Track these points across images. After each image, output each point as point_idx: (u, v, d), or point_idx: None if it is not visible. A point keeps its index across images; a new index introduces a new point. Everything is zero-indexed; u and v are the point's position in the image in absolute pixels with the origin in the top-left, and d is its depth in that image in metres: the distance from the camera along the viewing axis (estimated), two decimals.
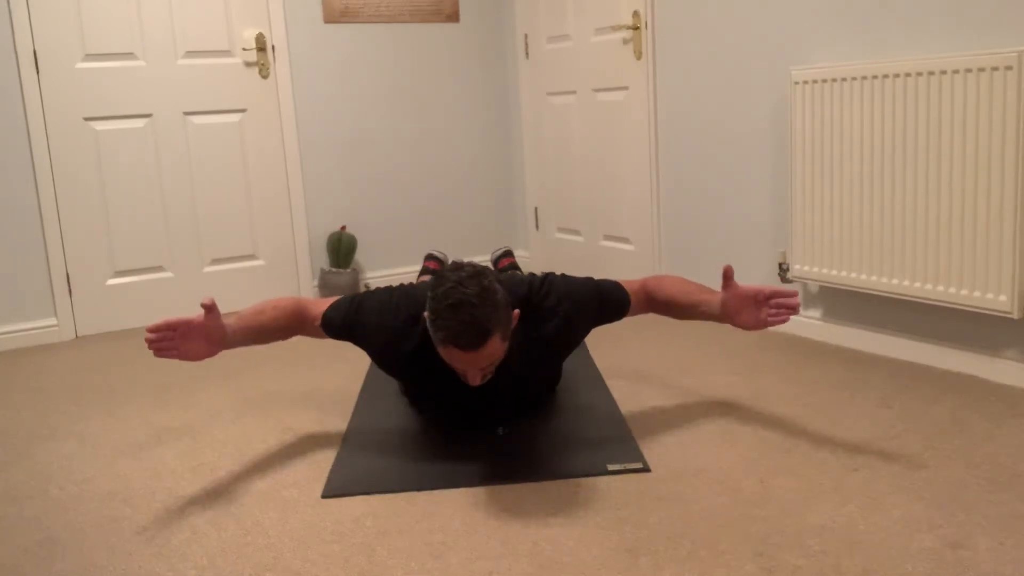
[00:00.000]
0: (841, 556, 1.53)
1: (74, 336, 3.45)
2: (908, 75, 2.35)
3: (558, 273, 2.14)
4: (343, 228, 3.93)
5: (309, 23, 3.80)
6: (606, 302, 2.11)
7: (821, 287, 2.84)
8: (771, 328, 2.97)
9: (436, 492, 1.87)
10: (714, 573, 1.50)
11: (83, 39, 3.36)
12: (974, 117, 2.21)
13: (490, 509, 1.77)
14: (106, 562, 1.65)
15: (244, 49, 3.65)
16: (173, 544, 1.71)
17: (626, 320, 2.18)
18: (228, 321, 1.98)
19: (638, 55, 3.41)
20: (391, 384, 2.57)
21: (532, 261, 4.28)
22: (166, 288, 3.61)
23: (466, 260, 1.89)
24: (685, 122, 3.27)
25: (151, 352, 2.99)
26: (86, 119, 3.40)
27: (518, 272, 3.04)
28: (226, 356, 2.96)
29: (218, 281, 3.71)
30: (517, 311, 1.89)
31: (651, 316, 2.18)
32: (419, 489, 1.88)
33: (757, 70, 2.94)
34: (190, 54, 3.56)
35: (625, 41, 3.48)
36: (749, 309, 1.98)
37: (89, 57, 3.38)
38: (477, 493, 1.85)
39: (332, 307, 2.08)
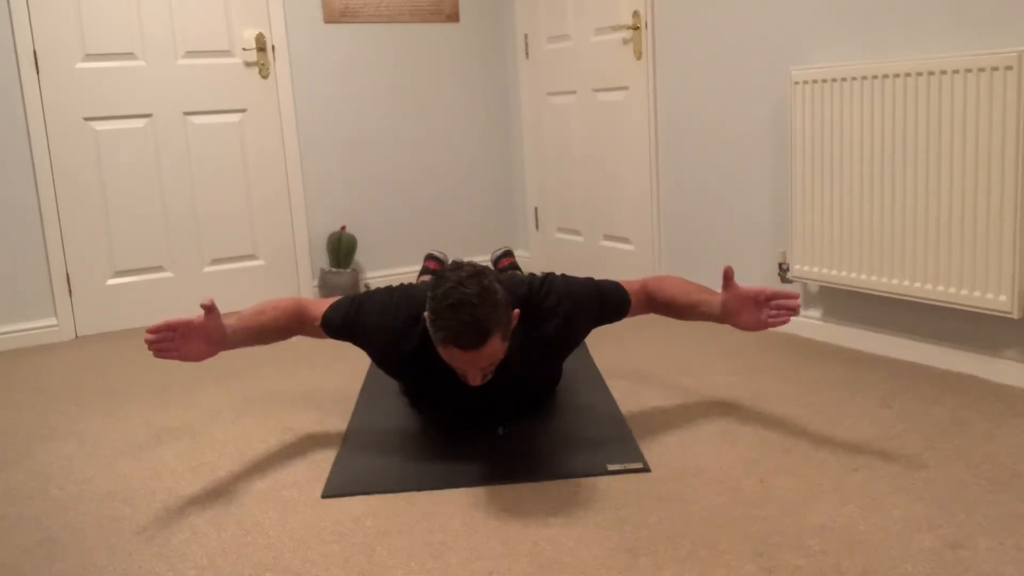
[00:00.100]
0: (841, 556, 1.53)
1: (74, 336, 3.45)
2: (908, 75, 2.35)
3: (558, 273, 2.14)
4: (343, 228, 3.93)
5: (309, 23, 3.80)
6: (606, 302, 2.11)
7: (821, 287, 2.84)
8: (771, 328, 2.97)
9: (436, 492, 1.87)
10: (714, 573, 1.50)
11: (83, 39, 3.36)
12: (974, 117, 2.21)
13: (490, 509, 1.77)
14: (106, 562, 1.65)
15: (244, 49, 3.65)
16: (173, 544, 1.71)
17: (626, 320, 2.18)
18: (228, 322, 1.98)
19: (638, 55, 3.41)
20: (391, 384, 2.57)
21: (532, 261, 4.28)
22: (166, 288, 3.61)
23: (466, 260, 1.89)
24: (685, 122, 3.27)
25: (151, 352, 3.00)
26: (86, 119, 3.40)
27: (518, 272, 3.04)
28: (226, 356, 2.96)
29: (218, 281, 3.71)
30: (517, 311, 1.89)
31: (651, 316, 2.18)
32: (419, 489, 1.88)
33: (757, 70, 2.94)
34: (190, 54, 3.56)
35: (625, 41, 3.48)
36: (749, 310, 1.98)
37: (89, 57, 3.38)
38: (477, 493, 1.85)
39: (332, 307, 2.08)
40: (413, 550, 1.63)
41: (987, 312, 2.26)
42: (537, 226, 4.24)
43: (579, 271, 3.75)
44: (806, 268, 2.74)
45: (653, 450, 2.02)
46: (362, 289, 3.94)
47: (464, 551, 1.62)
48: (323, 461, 2.06)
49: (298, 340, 3.07)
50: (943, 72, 2.27)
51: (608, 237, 3.76)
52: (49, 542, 1.75)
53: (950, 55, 2.26)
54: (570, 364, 2.67)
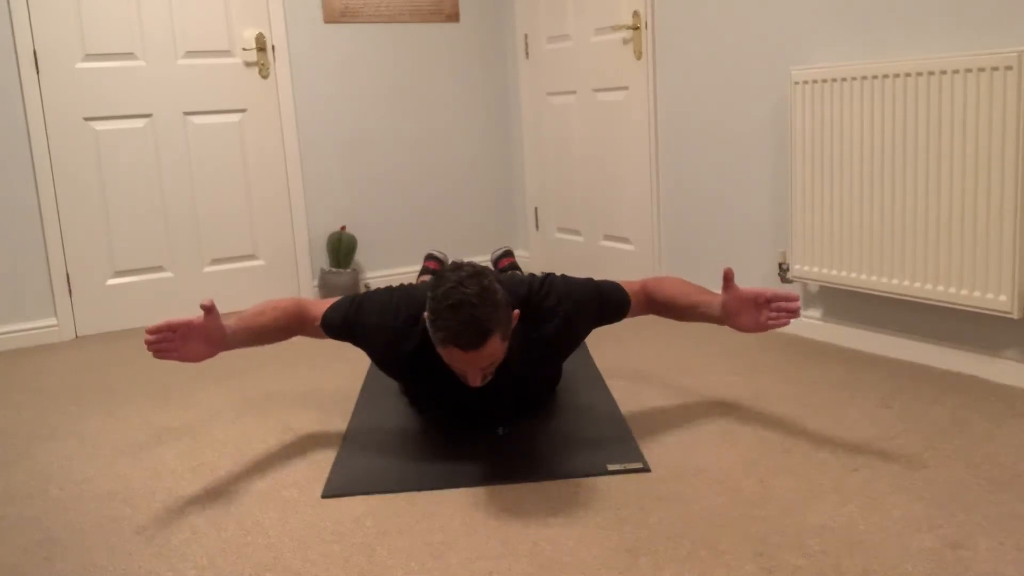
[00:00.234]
0: (841, 556, 1.53)
1: (74, 336, 3.45)
2: (908, 75, 2.35)
3: (558, 274, 2.14)
4: (343, 228, 3.93)
5: (309, 23, 3.80)
6: (606, 303, 2.11)
7: (821, 287, 2.84)
8: (771, 330, 2.97)
9: (436, 492, 1.87)
10: (714, 573, 1.50)
11: (83, 39, 3.36)
12: (974, 117, 2.21)
13: (490, 509, 1.77)
14: (106, 562, 1.65)
15: (244, 49, 3.65)
16: (173, 544, 1.71)
17: (626, 320, 2.18)
18: (228, 322, 1.98)
19: (638, 55, 3.41)
20: (391, 384, 2.57)
21: (532, 261, 4.28)
22: (166, 288, 3.61)
23: (466, 260, 1.89)
24: (685, 122, 3.27)
25: (151, 353, 3.00)
26: (86, 119, 3.40)
27: (518, 272, 3.04)
28: (226, 356, 2.96)
29: (218, 281, 3.71)
30: (517, 311, 1.89)
31: (651, 316, 2.18)
32: (419, 489, 1.88)
33: (757, 70, 2.94)
34: (190, 54, 3.56)
35: (625, 41, 3.48)
36: (749, 311, 1.98)
37: (89, 57, 3.38)
38: (477, 493, 1.85)
39: (332, 308, 2.08)
40: (413, 550, 1.63)
41: (987, 312, 2.26)
42: (537, 226, 4.24)
43: (579, 271, 3.75)
44: (806, 268, 2.74)
45: (653, 450, 2.02)
46: (362, 289, 3.94)
47: (464, 551, 1.62)
48: (323, 461, 2.06)
49: (298, 340, 3.07)
50: (943, 72, 2.27)
51: (608, 237, 3.76)
52: (49, 542, 1.75)
53: (950, 55, 2.26)
54: (570, 364, 2.67)
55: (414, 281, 3.58)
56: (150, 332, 1.82)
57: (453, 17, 4.12)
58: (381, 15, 3.95)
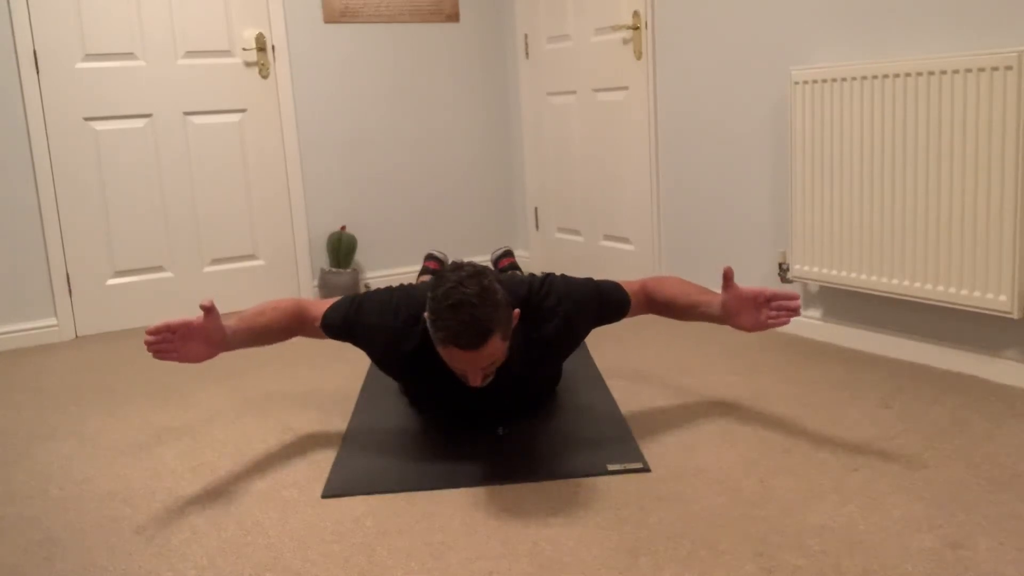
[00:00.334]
0: (841, 556, 1.53)
1: (74, 336, 3.45)
2: (908, 75, 2.35)
3: (558, 274, 2.14)
4: (343, 228, 3.93)
5: (309, 23, 3.80)
6: (606, 303, 2.11)
7: (821, 287, 2.84)
8: (771, 329, 2.98)
9: (436, 492, 1.87)
10: (714, 573, 1.50)
11: (83, 39, 3.36)
12: (974, 117, 2.21)
13: (490, 509, 1.77)
14: (106, 562, 1.65)
15: (244, 49, 3.65)
16: (173, 544, 1.71)
17: (626, 320, 2.18)
18: (228, 322, 1.98)
19: (638, 55, 3.41)
20: (391, 384, 2.57)
21: (532, 261, 4.28)
22: (166, 288, 3.61)
23: (466, 260, 1.89)
24: (685, 122, 3.27)
25: (151, 354, 3.00)
26: (86, 119, 3.40)
27: (518, 272, 3.04)
28: (226, 356, 2.96)
29: (218, 281, 3.71)
30: (517, 311, 1.89)
31: (651, 316, 2.18)
32: (419, 489, 1.88)
33: (757, 70, 2.94)
34: (190, 54, 3.56)
35: (625, 41, 3.48)
36: (749, 311, 1.98)
37: (89, 57, 3.38)
38: (477, 493, 1.85)
39: (332, 308, 2.08)
40: (413, 550, 1.63)
41: (987, 312, 2.26)
42: (537, 226, 4.24)
43: (579, 271, 3.75)
44: (806, 268, 2.74)
45: (653, 450, 2.02)
46: (362, 289, 3.94)
47: (464, 551, 1.62)
48: (323, 461, 2.06)
49: (298, 340, 3.07)
50: (943, 72, 2.27)
51: (608, 237, 3.76)
52: (49, 542, 1.75)
53: (950, 55, 2.26)
54: (570, 364, 2.67)
55: (414, 281, 3.59)
56: (150, 333, 1.82)
57: (453, 17, 4.12)
58: (381, 15, 3.95)
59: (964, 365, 2.44)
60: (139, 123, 3.50)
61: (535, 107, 4.11)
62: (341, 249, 3.82)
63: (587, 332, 2.12)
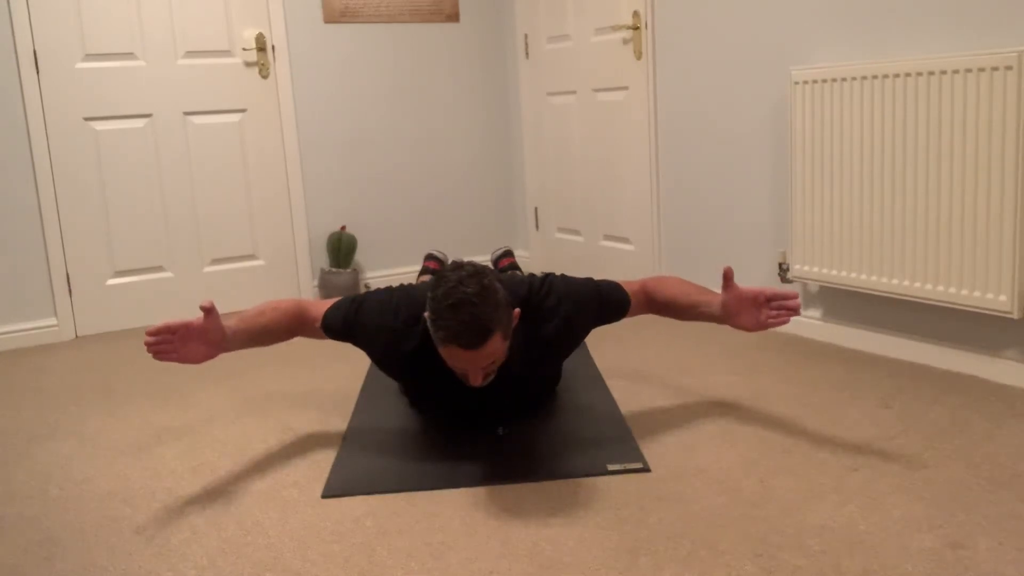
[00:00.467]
0: (841, 556, 1.53)
1: (74, 336, 3.45)
2: (908, 75, 2.35)
3: (558, 274, 2.14)
4: (343, 228, 3.93)
5: (309, 23, 3.80)
6: (606, 303, 2.11)
7: (821, 287, 2.84)
8: (771, 328, 2.98)
9: (436, 492, 1.87)
10: (714, 573, 1.50)
11: (83, 39, 3.36)
12: (974, 117, 2.21)
13: (490, 509, 1.77)
14: (106, 562, 1.65)
15: (244, 49, 3.65)
16: (173, 544, 1.71)
17: (626, 320, 2.18)
18: (228, 323, 1.98)
19: (638, 55, 3.41)
20: (391, 384, 2.57)
21: (532, 261, 4.28)
22: (166, 288, 3.61)
23: (466, 260, 1.89)
24: (685, 122, 3.27)
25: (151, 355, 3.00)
26: (86, 119, 3.40)
27: (518, 272, 3.04)
28: (226, 356, 2.96)
29: (218, 281, 3.71)
30: (517, 311, 1.89)
31: (651, 316, 2.18)
32: (419, 489, 1.88)
33: (757, 70, 2.94)
34: (190, 54, 3.56)
35: (625, 41, 3.48)
36: (749, 310, 1.98)
37: (89, 57, 3.38)
38: (477, 493, 1.85)
39: (332, 308, 2.08)
40: (413, 550, 1.63)
41: (987, 312, 2.26)
42: (537, 226, 4.24)
43: (579, 271, 3.76)
44: (806, 268, 2.74)
45: (653, 450, 2.02)
46: (362, 289, 3.94)
47: (464, 551, 1.62)
48: (323, 461, 2.06)
49: (298, 341, 3.06)
50: (943, 72, 2.27)
51: (608, 237, 3.76)
52: (49, 542, 1.75)
53: (950, 55, 2.26)
54: (570, 364, 2.67)
55: (414, 281, 3.58)
56: (149, 334, 1.82)
57: (453, 17, 4.12)
58: (381, 15, 3.95)
59: (964, 365, 2.44)
60: (139, 123, 3.50)
61: (535, 107, 4.11)
62: (341, 249, 3.82)
63: (587, 332, 2.12)
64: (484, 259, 4.19)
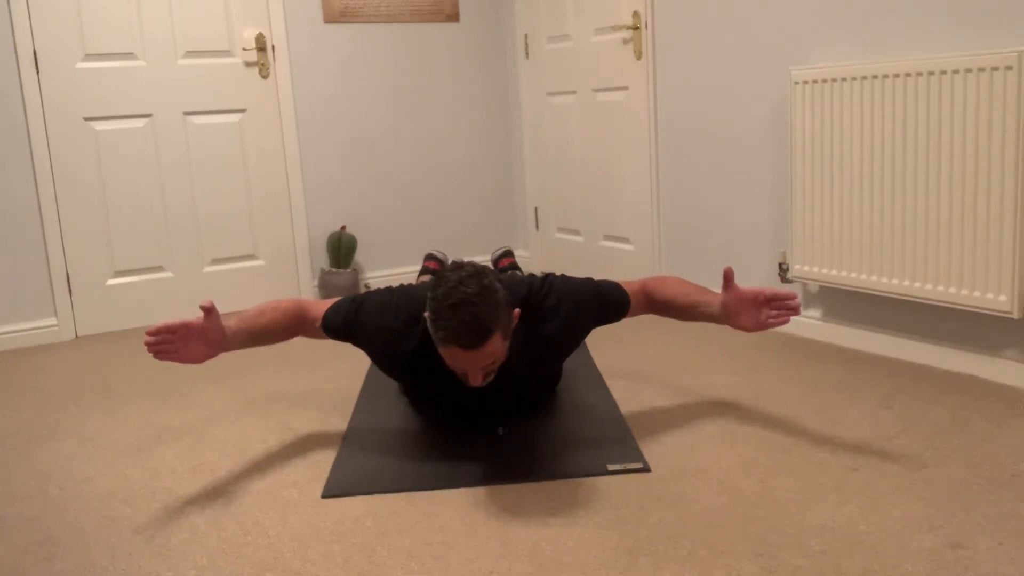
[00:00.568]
0: (841, 556, 1.53)
1: (74, 336, 3.45)
2: (908, 75, 2.35)
3: (558, 274, 2.14)
4: (343, 228, 3.93)
5: (309, 23, 3.80)
6: (606, 303, 2.11)
7: (821, 287, 2.84)
8: (771, 328, 2.98)
9: (436, 492, 1.87)
10: (714, 573, 1.50)
11: (83, 39, 3.36)
12: (974, 117, 2.21)
13: (490, 509, 1.77)
14: (106, 562, 1.65)
15: (244, 49, 3.65)
16: (173, 544, 1.71)
17: (626, 320, 2.18)
18: (228, 323, 1.98)
19: (638, 55, 3.41)
20: (391, 384, 2.57)
21: (532, 261, 4.28)
22: (166, 288, 3.61)
23: (466, 260, 1.89)
24: (685, 122, 3.27)
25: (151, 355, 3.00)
26: (86, 119, 3.40)
27: (518, 272, 3.04)
28: (226, 356, 2.96)
29: (218, 281, 3.71)
30: (517, 311, 1.89)
31: (651, 316, 2.18)
32: (419, 489, 1.88)
33: (757, 70, 2.94)
34: (190, 54, 3.56)
35: (625, 41, 3.48)
36: (749, 311, 1.98)
37: (89, 57, 3.38)
38: (477, 493, 1.85)
39: (332, 308, 2.08)
40: (413, 550, 1.63)
41: (987, 312, 2.26)
42: (537, 226, 4.24)
43: (579, 271, 3.76)
44: (806, 268, 2.74)
45: (653, 450, 2.02)
46: (362, 289, 3.94)
47: (464, 551, 1.62)
48: (323, 461, 2.06)
49: (298, 340, 3.06)
50: (943, 72, 2.27)
51: (608, 237, 3.76)
52: (49, 542, 1.75)
53: (950, 55, 2.26)
54: (570, 364, 2.67)
55: (414, 281, 3.58)
56: (149, 334, 1.82)
57: (453, 17, 4.12)
58: (381, 15, 3.95)
59: (964, 365, 2.44)
60: (139, 123, 3.50)
61: (535, 107, 4.11)
62: (341, 249, 3.82)
63: (587, 332, 2.12)
64: (484, 259, 4.19)
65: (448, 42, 4.13)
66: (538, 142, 4.13)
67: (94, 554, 1.69)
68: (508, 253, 3.56)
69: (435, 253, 3.52)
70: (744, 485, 1.82)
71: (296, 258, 3.87)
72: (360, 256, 4.03)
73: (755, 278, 3.07)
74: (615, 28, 3.50)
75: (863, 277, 2.56)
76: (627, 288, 2.14)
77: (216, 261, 3.71)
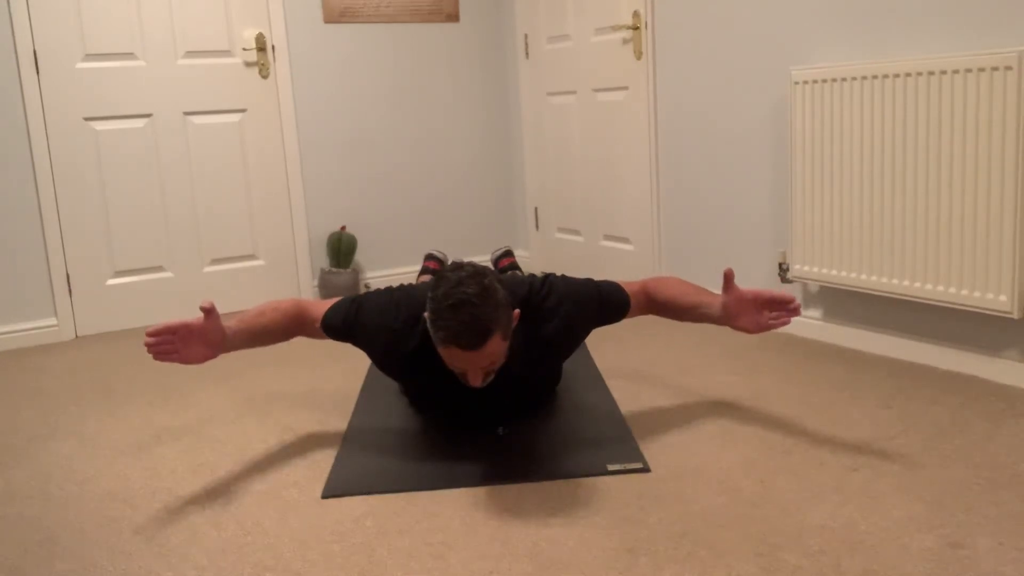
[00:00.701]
0: (841, 556, 1.53)
1: (74, 336, 3.45)
2: (908, 75, 2.35)
3: (558, 274, 2.14)
4: (343, 228, 3.93)
5: (309, 23, 3.80)
6: (606, 303, 2.11)
7: (821, 287, 2.84)
8: (771, 330, 2.98)
9: (436, 492, 1.87)
10: (714, 573, 1.50)
11: (83, 39, 3.36)
12: (974, 117, 2.21)
13: (490, 509, 1.77)
14: (106, 562, 1.65)
15: (244, 49, 3.65)
16: (173, 544, 1.71)
17: (626, 320, 2.18)
18: (228, 323, 1.98)
19: (638, 55, 3.41)
20: (391, 384, 2.57)
21: (532, 261, 4.28)
22: (166, 288, 3.61)
23: (466, 260, 1.89)
24: (685, 122, 3.27)
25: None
26: (86, 119, 3.40)
27: (518, 272, 3.04)
28: (226, 357, 2.96)
29: (218, 281, 3.71)
30: (517, 311, 1.89)
31: (651, 316, 2.18)
32: (419, 489, 1.88)
33: (757, 70, 2.94)
34: (190, 54, 3.56)
35: (625, 41, 3.48)
36: (749, 312, 1.98)
37: (89, 57, 3.38)
38: (477, 493, 1.85)
39: (332, 308, 2.08)
40: (413, 550, 1.63)
41: (987, 312, 2.26)
42: (537, 226, 4.24)
43: (579, 271, 3.76)
44: (806, 268, 2.74)
45: (653, 450, 2.02)
46: (362, 289, 3.94)
47: (464, 551, 1.62)
48: (323, 461, 2.06)
49: (298, 340, 3.07)
50: (943, 72, 2.27)
51: (608, 237, 3.77)
52: (49, 542, 1.75)
53: (950, 55, 2.26)
54: (570, 364, 2.67)
55: (414, 281, 3.58)
56: (149, 335, 1.82)
57: (453, 17, 4.12)
58: (381, 15, 3.95)
59: (964, 365, 2.44)
60: (139, 123, 3.50)
61: (535, 107, 4.11)
62: (341, 249, 3.82)
63: (587, 333, 2.12)
64: (484, 259, 4.19)
65: (448, 42, 4.13)
66: (538, 142, 4.13)
67: (94, 554, 1.69)
68: (508, 253, 3.56)
69: (435, 253, 3.52)
70: (744, 485, 1.82)
71: (296, 258, 3.87)
72: (360, 256, 4.03)
73: (755, 278, 3.07)
74: (615, 28, 3.50)
75: (863, 277, 2.56)
76: (627, 289, 2.14)
77: (216, 261, 3.71)
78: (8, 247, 3.30)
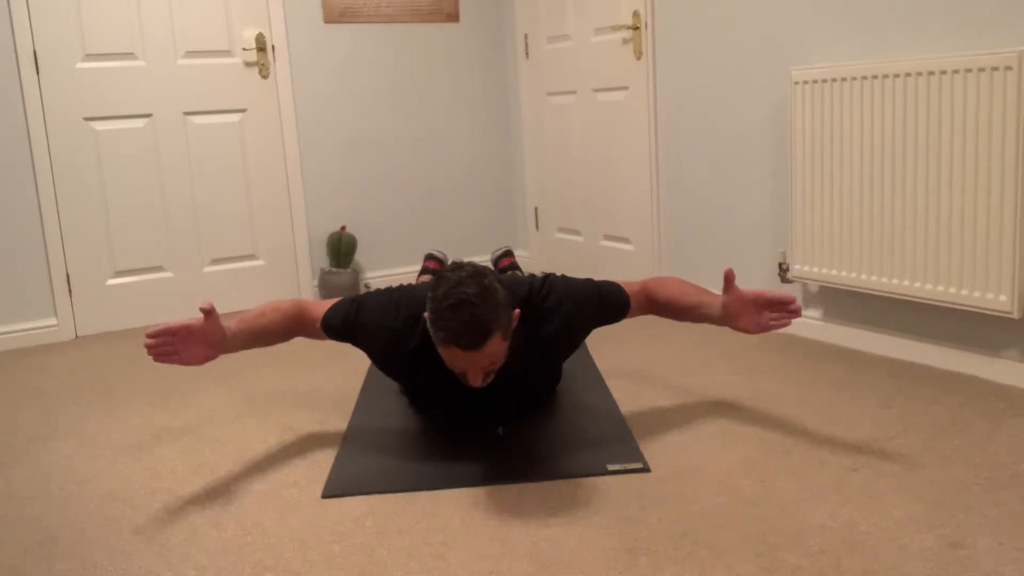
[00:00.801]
0: (841, 556, 1.53)
1: (74, 336, 3.45)
2: (908, 75, 2.35)
3: (558, 274, 2.14)
4: (343, 228, 3.93)
5: (309, 23, 3.80)
6: (606, 303, 2.11)
7: (821, 287, 2.84)
8: (772, 331, 2.98)
9: (436, 492, 1.87)
10: (714, 573, 1.50)
11: (83, 39, 3.36)
12: (974, 117, 2.21)
13: (490, 509, 1.77)
14: (106, 562, 1.65)
15: (244, 49, 3.65)
16: (173, 544, 1.71)
17: (626, 320, 2.18)
18: (228, 324, 1.98)
19: (638, 55, 3.41)
20: (391, 384, 2.57)
21: (532, 261, 4.28)
22: (166, 288, 3.61)
23: (466, 260, 1.89)
24: (685, 122, 3.27)
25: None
26: (86, 119, 3.40)
27: (518, 272, 3.04)
28: (226, 357, 2.96)
29: (218, 281, 3.71)
30: (517, 311, 1.89)
31: (651, 317, 2.18)
32: (419, 489, 1.88)
33: (757, 70, 2.94)
34: (190, 54, 3.56)
35: (625, 41, 3.48)
36: (750, 313, 1.98)
37: (89, 57, 3.38)
38: (477, 493, 1.85)
39: (332, 309, 2.08)
40: (413, 550, 1.63)
41: (987, 312, 2.26)
42: (537, 226, 4.24)
43: (579, 271, 3.76)
44: (806, 268, 2.74)
45: (653, 450, 2.02)
46: (362, 289, 3.94)
47: (464, 551, 1.62)
48: (323, 461, 2.06)
49: (298, 341, 3.07)
50: (943, 72, 2.27)
51: (608, 237, 3.77)
52: (49, 542, 1.75)
53: (950, 55, 2.26)
54: (570, 364, 2.67)
55: (414, 281, 3.58)
56: (149, 336, 1.82)
57: (453, 17, 4.12)
58: (381, 15, 3.95)
59: (964, 365, 2.44)
60: (139, 123, 3.50)
61: (535, 107, 4.11)
62: (341, 249, 3.82)
63: (587, 333, 2.12)
64: (484, 259, 4.19)
65: (448, 42, 4.13)
66: (538, 142, 4.13)
67: (94, 554, 1.69)
68: (508, 253, 3.56)
69: (435, 253, 3.52)
70: (744, 485, 1.82)
71: (296, 258, 3.87)
72: (360, 256, 4.03)
73: (755, 278, 3.07)
74: (615, 28, 3.50)
75: (863, 277, 2.56)
76: (627, 289, 2.14)
77: (216, 261, 3.71)
78: (8, 247, 3.30)
